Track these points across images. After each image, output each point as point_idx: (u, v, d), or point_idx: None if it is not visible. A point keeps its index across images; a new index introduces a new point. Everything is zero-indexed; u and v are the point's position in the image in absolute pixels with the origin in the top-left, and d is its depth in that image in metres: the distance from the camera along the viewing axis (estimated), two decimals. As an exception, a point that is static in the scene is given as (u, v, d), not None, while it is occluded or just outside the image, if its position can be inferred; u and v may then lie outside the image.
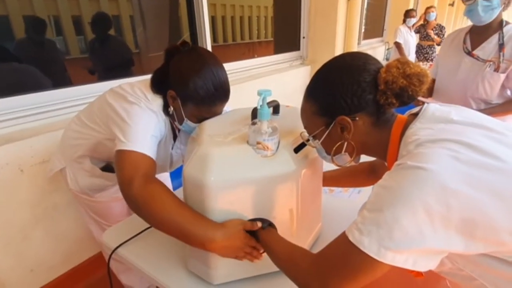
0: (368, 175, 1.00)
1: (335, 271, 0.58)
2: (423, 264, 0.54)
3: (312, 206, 0.90)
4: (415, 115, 0.68)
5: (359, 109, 0.66)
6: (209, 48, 2.17)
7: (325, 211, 1.03)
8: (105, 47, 1.95)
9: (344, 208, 1.11)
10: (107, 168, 1.18)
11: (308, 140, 0.77)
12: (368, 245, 0.54)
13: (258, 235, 0.76)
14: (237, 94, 1.30)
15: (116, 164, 0.84)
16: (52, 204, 1.50)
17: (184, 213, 0.74)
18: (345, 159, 0.74)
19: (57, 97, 1.54)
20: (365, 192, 1.20)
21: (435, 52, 4.38)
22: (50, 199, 1.49)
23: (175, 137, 1.12)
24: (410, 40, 4.22)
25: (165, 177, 1.43)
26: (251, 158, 0.74)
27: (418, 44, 4.49)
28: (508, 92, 1.56)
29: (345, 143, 0.70)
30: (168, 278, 0.85)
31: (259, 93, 0.72)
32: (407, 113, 0.72)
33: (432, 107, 0.67)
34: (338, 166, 0.77)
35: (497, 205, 0.51)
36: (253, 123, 0.76)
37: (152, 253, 0.95)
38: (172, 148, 1.13)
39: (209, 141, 0.78)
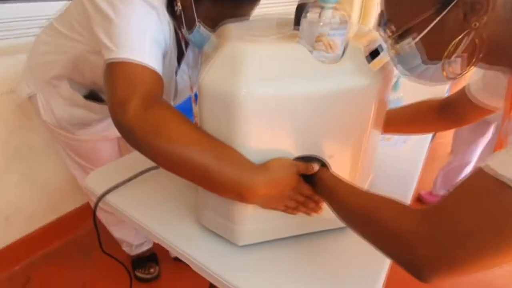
0: (437, 116, 0.75)
1: (469, 237, 0.34)
2: None
3: (373, 148, 0.66)
4: None
5: None
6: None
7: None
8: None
9: (389, 159, 0.87)
10: (93, 96, 0.91)
11: (393, 37, 0.48)
12: None
13: (314, 179, 0.53)
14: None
15: (105, 82, 0.58)
16: (26, 144, 1.26)
17: (207, 146, 0.50)
18: (456, 69, 0.46)
19: (26, 11, 1.21)
20: (412, 141, 0.96)
21: None
22: (22, 137, 1.24)
23: (179, 58, 0.83)
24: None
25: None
26: (304, 62, 0.48)
27: None
28: None
29: (467, 37, 0.42)
30: (173, 233, 0.63)
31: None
32: None
33: None
34: (435, 81, 0.50)
35: None
36: (307, 11, 0.49)
37: (151, 201, 0.71)
38: (176, 73, 0.85)
39: (239, 39, 0.51)
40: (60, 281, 1.33)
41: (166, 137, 0.50)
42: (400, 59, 0.49)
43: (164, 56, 0.70)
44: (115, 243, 1.28)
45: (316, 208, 0.56)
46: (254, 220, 0.56)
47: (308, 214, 0.56)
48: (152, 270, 1.35)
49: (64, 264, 1.39)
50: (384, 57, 0.55)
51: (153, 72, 0.58)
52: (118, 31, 0.59)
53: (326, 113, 0.50)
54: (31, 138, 1.26)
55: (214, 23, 0.67)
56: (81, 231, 1.50)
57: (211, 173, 0.48)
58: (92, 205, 0.74)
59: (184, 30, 0.72)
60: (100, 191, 0.74)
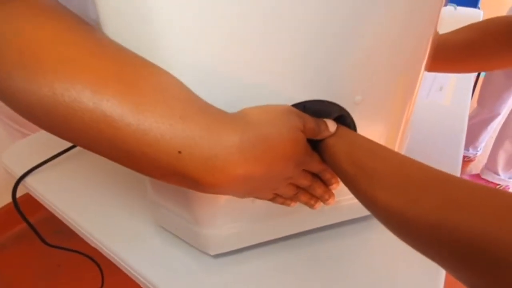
0: (503, 46, 0.49)
1: None
2: None
3: (418, 88, 0.42)
4: None
5: None
6: None
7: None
8: None
9: (423, 113, 0.64)
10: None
11: None
12: None
13: (326, 145, 0.30)
14: None
15: None
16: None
17: (114, 75, 0.22)
18: None
19: None
20: (450, 88, 0.71)
21: None
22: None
23: None
24: None
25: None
26: None
27: None
28: None
29: None
30: (111, 233, 0.42)
31: None
32: None
33: None
34: None
35: None
36: None
37: (83, 186, 0.49)
38: None
39: None
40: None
41: (31, 63, 0.21)
42: None
43: None
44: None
45: (327, 196, 0.33)
46: (229, 219, 0.34)
47: (312, 206, 0.34)
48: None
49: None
50: None
51: None
52: None
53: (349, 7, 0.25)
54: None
55: None
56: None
57: (127, 135, 0.22)
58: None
59: None
60: (19, 170, 0.52)
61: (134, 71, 0.23)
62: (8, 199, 0.49)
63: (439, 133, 0.60)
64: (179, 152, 0.22)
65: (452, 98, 0.69)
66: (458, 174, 0.52)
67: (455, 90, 0.72)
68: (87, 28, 0.24)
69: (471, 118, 1.52)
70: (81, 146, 0.25)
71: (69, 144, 0.55)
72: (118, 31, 0.25)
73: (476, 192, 0.20)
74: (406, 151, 0.49)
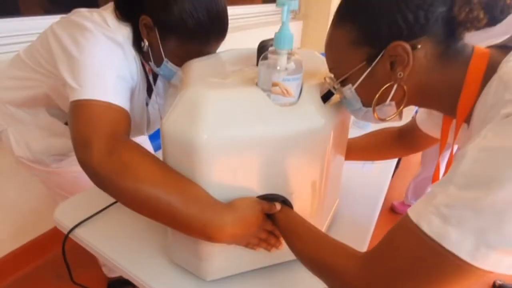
0: (395, 143, 0.80)
1: (399, 282, 0.38)
2: None
3: (335, 177, 0.69)
4: (502, 47, 0.46)
5: (424, 30, 0.43)
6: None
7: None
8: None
9: (358, 182, 0.91)
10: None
11: (336, 86, 0.54)
12: (458, 241, 0.33)
13: (275, 217, 0.55)
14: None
15: (69, 122, 0.58)
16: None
17: (173, 187, 0.50)
18: (388, 112, 0.52)
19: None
20: (380, 164, 1.00)
21: None
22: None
23: (149, 89, 0.83)
24: None
25: (141, 141, 1.12)
26: (262, 106, 0.50)
27: None
28: None
29: (395, 86, 0.47)
30: (140, 267, 0.63)
31: (280, 3, 0.46)
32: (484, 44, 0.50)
33: None
34: (375, 121, 0.55)
35: None
36: (266, 57, 0.51)
37: (120, 234, 0.71)
38: (147, 104, 0.85)
39: (200, 82, 0.53)
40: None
41: (132, 179, 0.50)
42: (345, 102, 0.55)
43: (133, 90, 0.71)
44: (90, 263, 1.26)
45: (277, 244, 0.58)
46: (221, 257, 0.58)
47: (268, 249, 0.58)
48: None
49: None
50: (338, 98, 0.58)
51: (118, 109, 0.59)
52: (82, 69, 0.59)
53: (284, 154, 0.52)
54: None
55: (181, 61, 0.68)
56: (55, 253, 1.46)
57: (179, 214, 0.49)
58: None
59: (152, 63, 0.73)
60: (69, 224, 0.73)
61: (185, 184, 0.50)
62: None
63: (365, 194, 0.86)
64: (204, 225, 0.49)
65: (379, 170, 0.97)
66: (373, 224, 0.77)
67: (383, 164, 1.00)
68: (157, 157, 0.51)
69: (417, 176, 1.83)
70: (145, 215, 0.50)
71: (107, 203, 0.77)
72: (174, 161, 0.51)
73: (331, 246, 0.46)
74: (338, 208, 0.76)
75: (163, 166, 0.53)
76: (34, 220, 1.41)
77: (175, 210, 0.49)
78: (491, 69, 0.43)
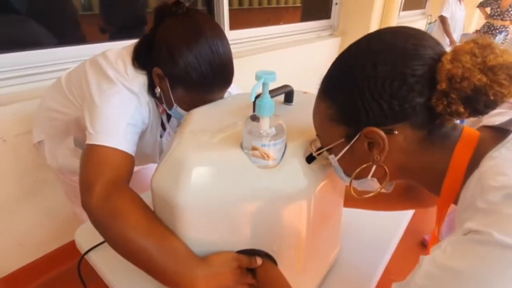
0: (402, 196, 0.77)
1: None
2: None
3: (328, 232, 0.69)
4: (497, 130, 0.44)
5: (401, 118, 0.43)
6: (226, 13, 1.88)
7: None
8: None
9: (363, 223, 0.87)
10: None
11: (320, 153, 0.54)
12: None
13: (256, 271, 0.57)
14: (250, 67, 1.06)
15: (79, 164, 0.65)
16: (40, 179, 1.38)
17: (154, 237, 0.55)
18: (372, 186, 0.52)
19: (50, 58, 1.35)
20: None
21: (508, 34, 3.79)
22: (37, 173, 1.36)
23: (163, 124, 0.91)
24: (458, 14, 3.69)
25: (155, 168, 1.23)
26: (244, 168, 0.53)
27: (487, 23, 3.94)
28: None
29: (374, 166, 0.47)
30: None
31: (258, 77, 0.49)
32: (480, 124, 0.48)
33: None
34: (358, 195, 0.55)
35: None
36: (252, 118, 0.54)
37: (133, 268, 0.77)
38: (161, 136, 0.92)
39: (190, 140, 0.57)
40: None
41: (119, 226, 0.55)
42: (333, 168, 0.55)
43: (144, 131, 0.79)
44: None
45: None
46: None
47: None
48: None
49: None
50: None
51: (123, 154, 0.65)
52: (99, 116, 0.67)
53: (265, 215, 0.54)
54: (44, 174, 1.38)
55: (188, 107, 0.74)
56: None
57: (155, 263, 0.53)
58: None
59: (164, 105, 0.80)
60: (85, 246, 0.81)
61: (166, 236, 0.54)
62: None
63: (370, 243, 0.82)
64: (177, 277, 0.52)
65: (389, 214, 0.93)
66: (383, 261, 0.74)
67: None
68: (147, 207, 0.56)
69: (452, 211, 1.70)
70: (126, 259, 0.55)
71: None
72: (159, 212, 0.56)
73: None
74: (336, 257, 0.75)
75: (150, 216, 0.57)
76: (69, 227, 1.57)
77: (152, 258, 0.53)
78: (478, 156, 0.42)
